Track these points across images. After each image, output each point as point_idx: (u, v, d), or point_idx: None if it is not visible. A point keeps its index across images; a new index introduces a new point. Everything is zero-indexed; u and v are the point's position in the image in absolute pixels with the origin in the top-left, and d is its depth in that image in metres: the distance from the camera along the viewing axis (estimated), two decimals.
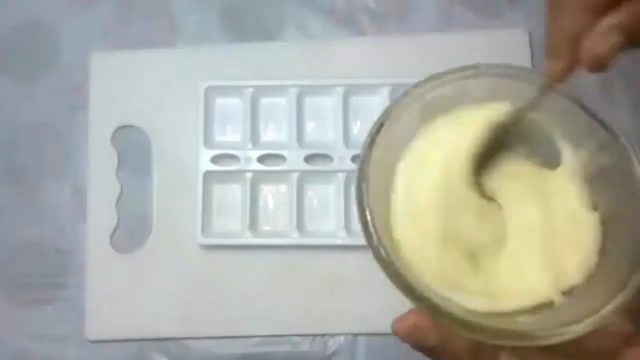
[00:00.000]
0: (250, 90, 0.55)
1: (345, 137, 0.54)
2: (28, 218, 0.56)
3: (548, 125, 0.35)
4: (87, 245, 0.55)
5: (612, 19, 0.31)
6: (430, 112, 0.35)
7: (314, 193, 0.54)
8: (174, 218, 0.55)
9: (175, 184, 0.55)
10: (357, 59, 0.56)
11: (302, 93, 0.55)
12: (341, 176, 0.53)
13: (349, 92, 0.55)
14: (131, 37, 0.58)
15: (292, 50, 0.57)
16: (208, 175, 0.54)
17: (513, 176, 0.36)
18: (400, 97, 0.35)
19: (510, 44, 0.55)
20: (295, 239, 0.52)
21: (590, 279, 0.32)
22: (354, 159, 0.53)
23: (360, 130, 0.55)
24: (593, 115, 0.34)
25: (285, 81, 0.55)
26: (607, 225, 0.33)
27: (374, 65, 0.55)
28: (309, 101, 0.55)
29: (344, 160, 0.53)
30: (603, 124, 0.33)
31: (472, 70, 0.35)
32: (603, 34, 0.31)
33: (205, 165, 0.54)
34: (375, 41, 0.57)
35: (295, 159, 0.54)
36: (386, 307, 0.52)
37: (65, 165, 0.57)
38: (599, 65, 0.32)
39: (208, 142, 0.55)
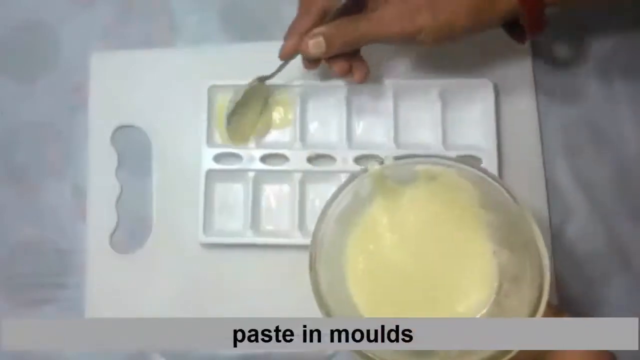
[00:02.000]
0: None
1: (348, 137, 0.54)
2: (28, 218, 0.56)
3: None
4: (87, 245, 0.55)
5: (322, 28, 0.48)
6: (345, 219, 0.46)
7: (316, 193, 0.54)
8: (174, 218, 0.55)
9: (176, 184, 0.55)
10: None
11: (305, 93, 0.55)
12: (344, 177, 0.52)
13: (352, 93, 0.54)
14: (131, 37, 0.58)
15: None
16: (210, 173, 0.54)
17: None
18: (318, 221, 0.44)
19: (511, 45, 0.55)
20: (296, 239, 0.52)
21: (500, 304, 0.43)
22: (356, 160, 0.53)
23: (363, 130, 0.55)
24: (498, 182, 0.43)
25: (289, 81, 0.55)
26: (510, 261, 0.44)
27: (375, 65, 0.55)
28: (312, 102, 0.55)
29: (346, 161, 0.53)
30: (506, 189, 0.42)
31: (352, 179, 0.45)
32: (313, 35, 0.48)
33: (208, 163, 0.54)
34: None
35: (297, 159, 0.53)
36: None
37: (65, 165, 0.57)
38: (309, 58, 0.49)
39: (210, 140, 0.54)
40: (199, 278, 0.54)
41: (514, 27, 0.48)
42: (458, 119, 0.55)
